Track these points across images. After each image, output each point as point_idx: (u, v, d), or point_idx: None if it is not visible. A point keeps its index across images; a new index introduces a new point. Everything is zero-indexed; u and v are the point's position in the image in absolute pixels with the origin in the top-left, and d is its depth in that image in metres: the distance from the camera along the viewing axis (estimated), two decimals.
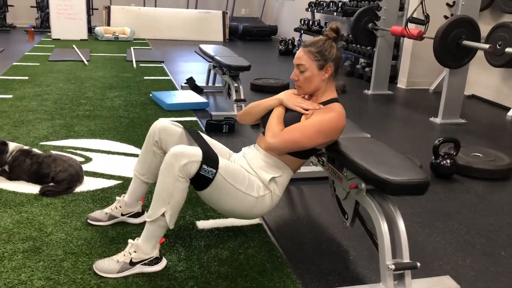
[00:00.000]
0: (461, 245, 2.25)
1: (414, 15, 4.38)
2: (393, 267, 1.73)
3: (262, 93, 5.10)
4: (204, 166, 1.78)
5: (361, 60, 6.86)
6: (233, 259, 2.00)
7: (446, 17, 4.20)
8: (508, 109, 4.91)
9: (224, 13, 9.73)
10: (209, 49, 4.85)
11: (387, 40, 5.38)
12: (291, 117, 1.99)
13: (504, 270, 2.06)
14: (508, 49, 3.68)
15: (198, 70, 6.41)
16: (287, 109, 2.04)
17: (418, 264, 1.76)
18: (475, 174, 3.04)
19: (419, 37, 4.39)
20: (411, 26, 4.34)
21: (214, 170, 1.81)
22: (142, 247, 1.86)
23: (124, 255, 1.86)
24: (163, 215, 1.80)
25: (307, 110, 1.99)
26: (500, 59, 4.73)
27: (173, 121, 3.93)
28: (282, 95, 2.07)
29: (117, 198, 2.26)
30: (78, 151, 3.12)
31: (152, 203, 1.83)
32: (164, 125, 2.12)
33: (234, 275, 1.89)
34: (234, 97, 4.08)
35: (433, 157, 3.00)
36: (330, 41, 2.01)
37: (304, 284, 1.87)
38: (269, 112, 2.08)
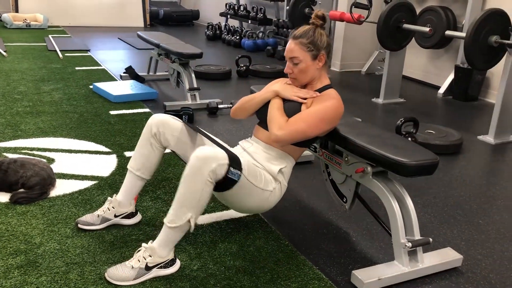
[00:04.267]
0: (443, 218, 2.41)
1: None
2: (410, 244, 1.82)
3: (205, 80, 5.01)
4: (231, 169, 1.73)
5: None
6: (245, 252, 1.98)
7: (386, 1, 4.40)
8: (436, 87, 5.29)
9: None
10: (150, 36, 4.64)
11: None
12: (291, 107, 1.98)
13: (487, 237, 2.25)
14: (448, 32, 3.96)
15: (128, 58, 6.13)
16: (284, 100, 2.02)
17: (431, 239, 1.88)
18: (432, 150, 3.23)
19: (359, 21, 4.56)
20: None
21: (239, 172, 1.76)
22: (159, 251, 1.77)
23: (139, 260, 1.76)
24: (188, 220, 1.72)
25: (305, 99, 1.99)
26: (429, 41, 5.10)
27: (125, 113, 3.78)
28: (277, 86, 2.04)
29: (109, 198, 2.12)
30: (35, 152, 2.86)
31: (175, 208, 1.72)
32: (162, 118, 2.03)
33: (252, 268, 1.87)
34: (187, 86, 3.97)
35: None
36: (319, 29, 1.99)
37: (322, 270, 1.90)
38: (264, 105, 2.05)
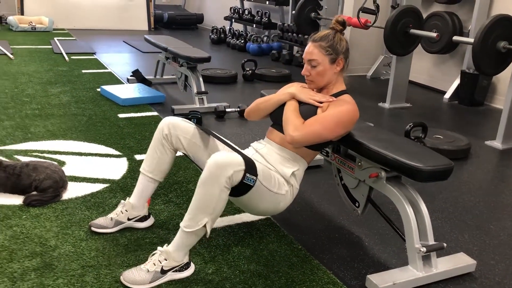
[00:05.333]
0: (454, 223, 2.42)
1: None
2: (424, 249, 1.82)
3: (211, 84, 5.02)
4: (248, 175, 1.74)
5: (296, 48, 7.00)
6: (258, 256, 1.99)
7: (393, 7, 4.41)
8: (441, 92, 5.30)
9: (148, 1, 9.36)
10: (158, 40, 4.66)
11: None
12: (307, 110, 1.99)
13: (499, 242, 2.25)
14: (455, 38, 3.97)
15: (134, 61, 6.15)
16: (300, 102, 2.03)
17: (445, 244, 1.88)
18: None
19: (366, 26, 4.57)
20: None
21: (255, 177, 1.77)
22: (174, 255, 1.78)
23: (154, 264, 1.77)
24: (204, 226, 1.73)
25: (321, 103, 2.00)
26: (435, 46, 5.12)
27: (134, 116, 3.78)
28: (293, 89, 2.06)
29: (122, 201, 2.13)
30: (45, 155, 2.87)
31: (190, 213, 1.73)
32: (174, 120, 2.04)
33: (266, 272, 1.88)
34: (195, 89, 3.98)
35: None
36: (339, 34, 2.02)
37: (335, 274, 1.90)
38: (279, 107, 2.07)
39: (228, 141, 2.09)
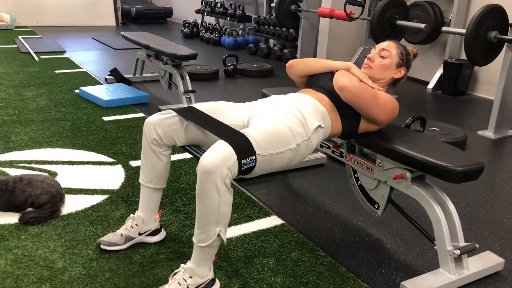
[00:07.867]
0: (469, 218, 2.39)
1: None
2: (458, 252, 1.77)
3: (193, 81, 4.82)
4: (244, 161, 1.58)
5: (272, 41, 6.90)
6: (283, 266, 1.88)
7: None
8: (424, 82, 5.32)
9: None
10: (137, 36, 4.45)
11: (310, 22, 5.45)
12: None
13: None
14: (445, 28, 3.96)
15: (107, 58, 5.90)
16: None
17: (477, 245, 1.83)
18: None
19: (350, 18, 4.52)
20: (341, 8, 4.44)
21: (253, 157, 1.61)
22: (198, 271, 1.65)
23: (179, 283, 1.64)
24: (218, 235, 1.61)
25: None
26: (417, 36, 5.12)
27: (120, 119, 3.58)
28: (351, 64, 2.02)
29: (131, 215, 1.99)
30: (33, 165, 2.67)
31: (199, 227, 1.60)
32: (155, 120, 1.83)
33: (295, 284, 1.78)
34: (182, 88, 3.82)
35: None
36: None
37: (366, 281, 1.83)
38: (326, 73, 2.04)
39: (223, 106, 1.92)
